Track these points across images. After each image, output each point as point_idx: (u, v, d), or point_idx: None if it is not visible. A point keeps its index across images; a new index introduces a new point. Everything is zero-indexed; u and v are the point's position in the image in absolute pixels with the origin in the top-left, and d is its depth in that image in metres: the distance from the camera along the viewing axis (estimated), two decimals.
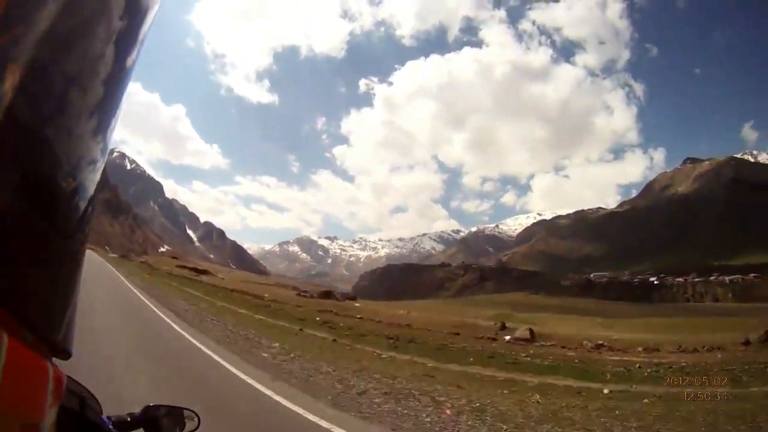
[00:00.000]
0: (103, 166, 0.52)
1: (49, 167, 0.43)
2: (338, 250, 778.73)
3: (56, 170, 0.44)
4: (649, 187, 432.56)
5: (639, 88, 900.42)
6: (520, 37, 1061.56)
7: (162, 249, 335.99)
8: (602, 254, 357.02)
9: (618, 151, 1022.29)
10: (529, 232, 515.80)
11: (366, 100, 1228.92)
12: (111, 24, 0.47)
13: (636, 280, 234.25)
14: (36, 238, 0.42)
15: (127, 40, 0.50)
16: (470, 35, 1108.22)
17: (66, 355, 0.50)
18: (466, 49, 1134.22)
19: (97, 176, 0.51)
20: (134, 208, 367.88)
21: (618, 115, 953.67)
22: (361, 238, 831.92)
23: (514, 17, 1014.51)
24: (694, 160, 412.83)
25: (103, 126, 0.50)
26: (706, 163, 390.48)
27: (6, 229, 0.38)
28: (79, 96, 0.45)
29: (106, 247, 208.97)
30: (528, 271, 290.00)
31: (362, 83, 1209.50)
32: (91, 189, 0.50)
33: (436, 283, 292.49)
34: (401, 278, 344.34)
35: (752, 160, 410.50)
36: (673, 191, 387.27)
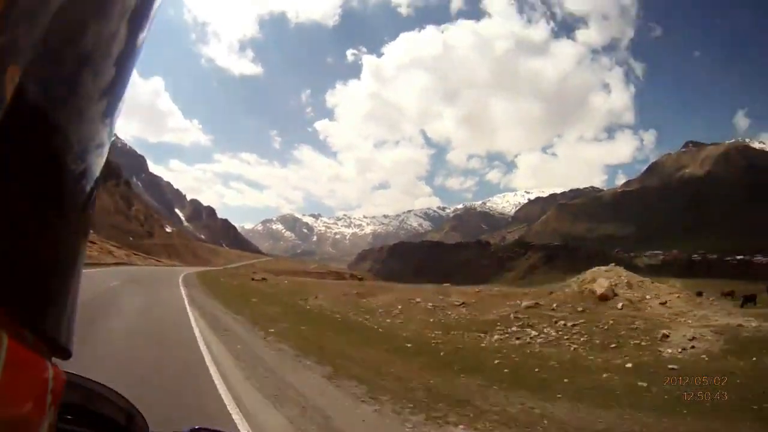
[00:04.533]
0: (105, 158, 0.50)
1: (51, 165, 0.42)
2: (323, 228, 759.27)
3: (57, 168, 0.43)
4: (653, 168, 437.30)
5: (639, 68, 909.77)
6: (521, 8, 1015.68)
7: (168, 229, 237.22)
8: (627, 234, 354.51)
9: (612, 131, 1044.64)
10: (528, 210, 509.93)
11: (353, 71, 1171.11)
12: (124, 3, 0.45)
13: (726, 258, 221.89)
14: (36, 237, 0.41)
15: (138, 18, 0.48)
16: (472, 5, 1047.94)
17: (66, 354, 0.48)
18: (465, 21, 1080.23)
19: (98, 175, 0.49)
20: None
21: (616, 94, 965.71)
22: (345, 215, 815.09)
23: None
24: (696, 144, 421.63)
25: (111, 109, 0.48)
26: (711, 147, 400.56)
27: (6, 228, 0.37)
28: (90, 80, 0.43)
29: (92, 234, 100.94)
30: (597, 249, 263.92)
31: (350, 53, 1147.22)
32: (92, 184, 0.48)
33: (496, 264, 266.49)
34: (431, 258, 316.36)
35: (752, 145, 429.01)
36: (683, 173, 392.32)
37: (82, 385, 0.88)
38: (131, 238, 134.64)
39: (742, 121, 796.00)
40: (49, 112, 0.40)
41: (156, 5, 0.51)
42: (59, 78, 0.41)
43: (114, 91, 0.48)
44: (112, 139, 0.50)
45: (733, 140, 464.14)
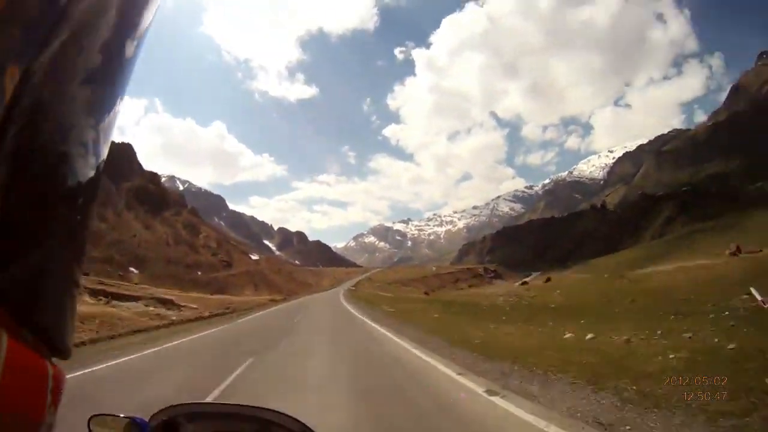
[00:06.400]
0: (100, 173, 0.50)
1: (51, 165, 0.42)
2: (415, 232, 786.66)
3: (57, 168, 0.43)
4: (736, 91, 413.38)
5: None
6: None
7: (255, 257, 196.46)
8: (737, 167, 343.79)
9: (679, 64, 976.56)
10: (620, 168, 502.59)
11: (407, 68, 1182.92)
12: (112, 19, 0.46)
13: None
14: (36, 237, 0.41)
15: (126, 34, 0.49)
16: None
17: (66, 354, 0.48)
18: None
19: (97, 180, 0.49)
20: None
21: (672, 22, 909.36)
22: (434, 215, 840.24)
23: None
24: None
25: (93, 107, 0.47)
26: None
27: (5, 228, 0.38)
28: (78, 86, 0.43)
29: (132, 270, 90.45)
30: (730, 189, 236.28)
31: (398, 51, 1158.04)
32: (91, 185, 0.48)
33: (624, 227, 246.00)
34: (543, 237, 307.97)
35: None
36: None
37: (258, 416, 0.90)
38: (199, 273, 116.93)
39: None
40: (39, 128, 0.40)
41: (145, 22, 0.51)
42: (52, 90, 0.41)
43: (97, 82, 0.47)
44: (104, 154, 0.49)
45: None
